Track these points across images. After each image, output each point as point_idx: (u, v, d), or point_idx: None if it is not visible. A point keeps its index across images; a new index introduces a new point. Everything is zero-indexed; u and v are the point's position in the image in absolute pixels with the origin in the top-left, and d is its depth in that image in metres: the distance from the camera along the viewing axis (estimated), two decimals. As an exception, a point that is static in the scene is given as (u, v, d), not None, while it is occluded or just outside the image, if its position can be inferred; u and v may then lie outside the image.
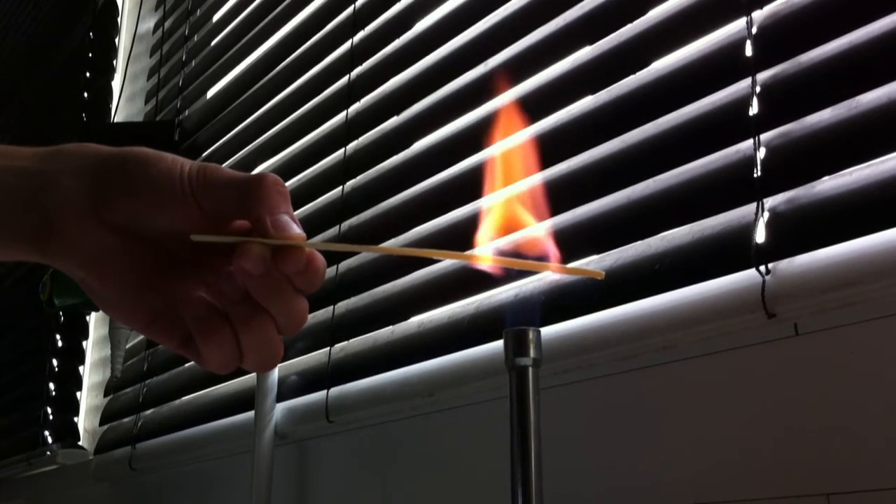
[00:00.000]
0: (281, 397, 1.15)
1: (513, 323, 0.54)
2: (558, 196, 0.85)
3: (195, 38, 1.77)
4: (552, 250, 0.60)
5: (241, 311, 0.44)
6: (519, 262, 0.48)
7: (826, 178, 0.67)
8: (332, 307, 1.12)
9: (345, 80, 1.24)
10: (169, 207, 0.44)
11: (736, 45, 0.75)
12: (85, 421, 1.78)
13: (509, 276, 0.85)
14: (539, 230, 0.73)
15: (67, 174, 0.45)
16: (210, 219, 0.44)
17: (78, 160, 0.45)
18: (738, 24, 0.75)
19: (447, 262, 0.98)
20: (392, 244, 1.06)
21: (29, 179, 0.45)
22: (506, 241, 0.62)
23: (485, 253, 0.54)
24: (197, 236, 0.44)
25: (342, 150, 1.20)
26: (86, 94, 1.99)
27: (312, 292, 0.44)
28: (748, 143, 0.71)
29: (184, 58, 1.77)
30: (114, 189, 0.44)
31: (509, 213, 0.66)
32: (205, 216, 0.44)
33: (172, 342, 0.47)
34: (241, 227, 0.45)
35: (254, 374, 1.17)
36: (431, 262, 0.99)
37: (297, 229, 0.43)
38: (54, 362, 1.87)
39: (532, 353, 0.53)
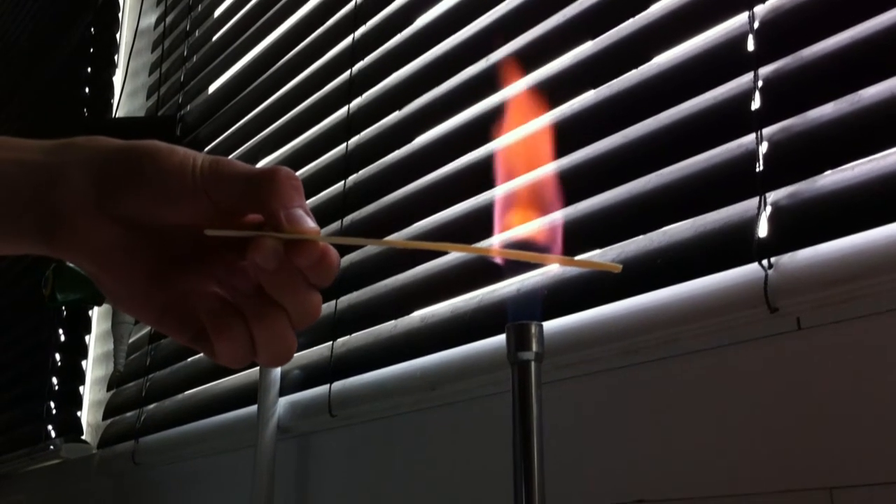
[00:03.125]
0: (283, 392, 1.15)
1: (515, 317, 0.54)
2: (561, 191, 0.85)
3: (196, 33, 1.77)
4: (560, 242, 0.60)
5: (254, 306, 0.44)
6: (533, 255, 0.48)
7: (828, 172, 0.67)
8: (334, 301, 1.13)
9: (346, 75, 1.24)
10: (180, 201, 0.43)
11: (738, 40, 0.75)
12: (88, 415, 1.79)
13: (512, 269, 0.85)
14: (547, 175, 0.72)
15: (76, 167, 0.44)
16: (222, 212, 0.44)
17: (87, 153, 0.45)
18: (740, 19, 0.75)
19: (449, 256, 0.98)
20: (394, 239, 1.06)
21: (37, 172, 0.44)
22: (517, 232, 0.62)
23: (499, 246, 0.53)
24: (211, 231, 0.44)
25: (344, 145, 1.20)
26: (87, 90, 1.99)
27: (326, 286, 0.44)
28: (750, 138, 0.71)
29: (185, 53, 1.77)
30: (123, 182, 0.44)
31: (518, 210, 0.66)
32: (216, 210, 0.44)
33: (184, 337, 0.47)
34: (253, 221, 0.45)
35: (256, 369, 1.17)
36: (434, 256, 0.99)
37: (311, 223, 0.43)
38: (57, 357, 1.87)
39: (534, 347, 0.53)
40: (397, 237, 1.06)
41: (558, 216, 0.85)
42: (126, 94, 1.92)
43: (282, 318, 0.44)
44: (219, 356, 0.45)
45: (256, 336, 0.44)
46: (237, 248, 0.44)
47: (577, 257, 0.84)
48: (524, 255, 0.48)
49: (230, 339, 0.44)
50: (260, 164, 1.41)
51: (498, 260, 0.62)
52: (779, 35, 0.72)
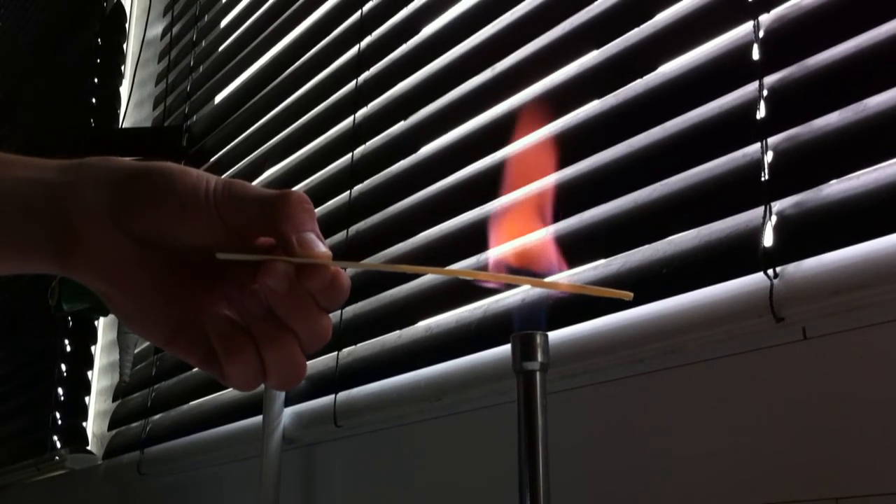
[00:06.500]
0: (289, 402, 1.15)
1: (520, 327, 0.54)
2: (565, 200, 0.85)
3: (203, 43, 1.78)
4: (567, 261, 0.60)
5: (264, 329, 0.44)
6: (542, 281, 0.48)
7: (833, 181, 0.66)
8: (339, 311, 1.13)
9: (352, 84, 1.24)
10: (193, 222, 0.43)
11: (743, 49, 0.74)
12: (93, 425, 1.79)
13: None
14: (548, 239, 0.73)
15: (90, 185, 0.44)
16: (235, 235, 0.44)
17: (101, 172, 0.45)
18: (745, 28, 0.75)
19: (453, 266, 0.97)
20: (400, 249, 1.07)
21: (52, 190, 0.44)
22: (523, 246, 0.62)
23: (520, 276, 0.53)
24: (222, 254, 0.44)
25: (349, 155, 1.20)
26: (94, 100, 2.00)
27: (336, 309, 0.44)
28: (755, 147, 0.71)
29: (192, 63, 1.78)
30: (137, 201, 0.44)
31: (521, 220, 0.66)
32: (229, 232, 0.44)
33: (195, 358, 0.47)
34: (265, 244, 0.45)
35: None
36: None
37: (322, 247, 0.43)
38: (63, 367, 1.87)
39: (539, 357, 0.53)
40: (403, 247, 1.06)
41: (557, 227, 0.85)
42: (133, 104, 1.93)
43: (292, 342, 0.44)
44: (229, 379, 0.45)
45: (266, 359, 0.44)
46: (248, 270, 0.44)
47: (578, 273, 0.84)
48: (535, 281, 0.48)
49: (240, 362, 0.44)
50: (266, 174, 1.41)
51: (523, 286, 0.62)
52: (784, 44, 0.72)
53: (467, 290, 0.94)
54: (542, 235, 0.84)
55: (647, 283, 0.75)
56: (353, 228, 1.15)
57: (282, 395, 1.14)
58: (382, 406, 1.02)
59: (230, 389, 1.31)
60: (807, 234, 0.66)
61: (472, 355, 0.92)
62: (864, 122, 0.65)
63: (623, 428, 0.78)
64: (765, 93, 0.72)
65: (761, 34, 0.73)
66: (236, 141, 1.52)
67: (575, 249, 0.83)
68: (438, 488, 0.95)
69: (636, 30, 0.85)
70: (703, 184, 0.75)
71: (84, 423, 1.79)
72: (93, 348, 1.85)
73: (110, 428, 1.69)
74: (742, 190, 0.71)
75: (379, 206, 1.12)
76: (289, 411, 1.15)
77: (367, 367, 1.05)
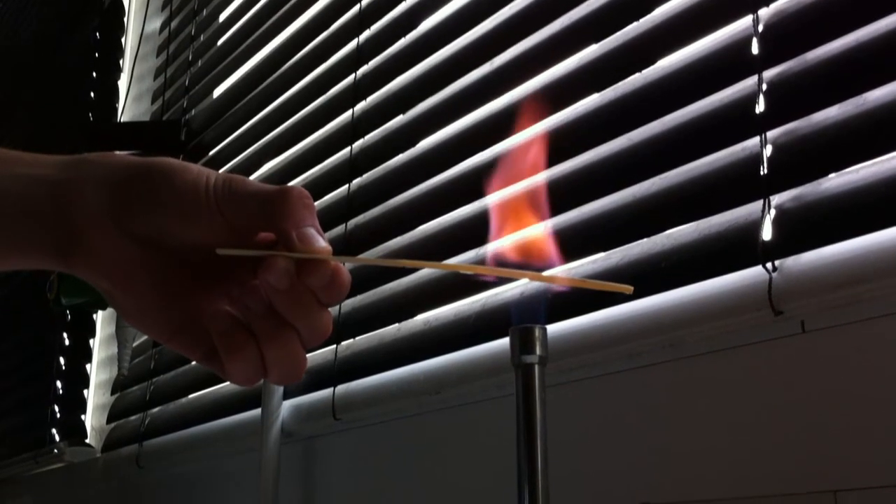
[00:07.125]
0: (287, 395, 1.15)
1: (519, 320, 0.54)
2: (564, 194, 0.85)
3: (201, 37, 1.78)
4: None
5: (265, 326, 0.44)
6: (541, 275, 0.48)
7: (833, 175, 0.67)
8: (338, 305, 1.13)
9: (351, 78, 1.24)
10: (194, 219, 0.43)
11: (742, 43, 0.74)
12: (92, 419, 1.79)
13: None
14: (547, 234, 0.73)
15: (91, 184, 0.44)
16: (235, 231, 0.44)
17: (102, 170, 0.45)
18: (745, 22, 0.75)
19: (451, 259, 0.97)
20: (398, 242, 1.07)
21: (52, 189, 0.44)
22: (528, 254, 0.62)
23: (519, 270, 0.53)
24: (222, 250, 0.44)
25: (348, 149, 1.20)
26: (92, 94, 2.00)
27: (337, 305, 0.44)
28: (755, 141, 0.71)
29: (190, 57, 1.78)
30: (138, 200, 0.44)
31: (519, 215, 0.66)
32: (230, 228, 0.44)
33: (196, 355, 0.47)
34: (266, 240, 0.45)
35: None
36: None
37: (322, 242, 0.43)
38: (61, 361, 1.87)
39: (538, 350, 0.53)
40: (402, 241, 1.06)
41: (556, 221, 0.85)
42: (131, 98, 1.92)
43: (293, 338, 0.44)
44: (230, 376, 0.45)
45: (267, 356, 0.44)
46: (250, 267, 0.44)
47: (593, 280, 0.84)
48: (534, 275, 0.48)
49: (241, 359, 0.44)
50: (264, 168, 1.41)
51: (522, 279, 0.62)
52: (783, 38, 0.72)
53: (466, 284, 0.94)
54: (541, 229, 0.84)
55: (646, 277, 0.75)
56: (352, 222, 1.15)
57: (280, 389, 1.14)
58: (381, 399, 1.02)
59: (229, 383, 1.31)
60: (806, 228, 0.66)
61: (471, 349, 0.92)
62: (863, 117, 0.65)
63: (622, 421, 0.78)
64: (764, 87, 0.72)
65: (760, 28, 0.73)
66: (235, 135, 1.52)
67: (574, 243, 0.83)
68: (437, 481, 0.96)
69: (635, 24, 0.85)
70: (702, 178, 0.75)
71: (83, 417, 1.79)
72: (91, 342, 1.85)
73: (109, 421, 1.69)
74: (741, 184, 0.71)
75: (378, 200, 1.12)
76: (287, 404, 1.15)
77: (366, 360, 1.05)
